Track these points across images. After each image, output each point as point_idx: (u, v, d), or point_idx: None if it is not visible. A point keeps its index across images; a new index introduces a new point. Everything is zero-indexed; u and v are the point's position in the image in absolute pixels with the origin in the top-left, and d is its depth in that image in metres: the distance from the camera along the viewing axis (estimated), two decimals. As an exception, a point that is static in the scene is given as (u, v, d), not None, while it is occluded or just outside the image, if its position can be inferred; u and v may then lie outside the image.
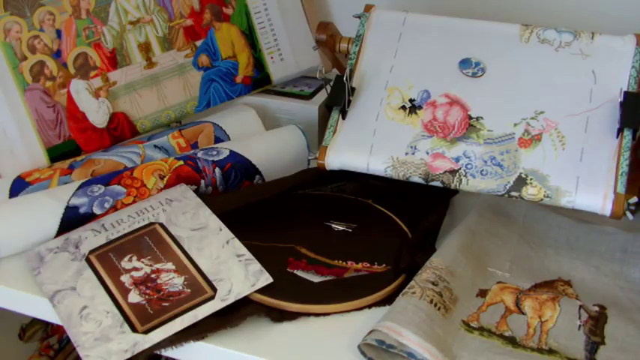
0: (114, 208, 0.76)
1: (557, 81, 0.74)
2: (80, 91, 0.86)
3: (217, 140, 0.88)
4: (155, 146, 0.85)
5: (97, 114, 0.87)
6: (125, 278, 0.68)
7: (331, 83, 0.78)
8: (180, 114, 0.91)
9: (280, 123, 0.95)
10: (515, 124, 0.72)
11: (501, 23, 0.78)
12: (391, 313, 0.61)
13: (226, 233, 0.71)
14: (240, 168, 0.81)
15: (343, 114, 0.77)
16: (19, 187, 0.79)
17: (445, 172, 0.72)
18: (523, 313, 0.66)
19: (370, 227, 0.77)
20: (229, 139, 0.88)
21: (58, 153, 0.86)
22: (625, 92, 0.70)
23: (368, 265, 0.71)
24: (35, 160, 0.84)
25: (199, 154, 0.81)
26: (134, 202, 0.77)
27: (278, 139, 0.86)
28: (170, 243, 0.71)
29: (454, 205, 0.82)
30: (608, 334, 0.63)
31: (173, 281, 0.67)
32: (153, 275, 0.68)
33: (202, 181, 0.80)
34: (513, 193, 0.70)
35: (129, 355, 0.61)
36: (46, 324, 1.15)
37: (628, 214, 0.67)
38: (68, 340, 1.18)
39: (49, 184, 0.80)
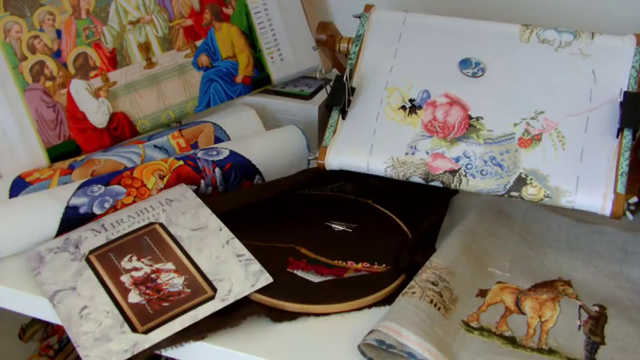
0: (114, 208, 0.76)
1: (557, 81, 0.74)
2: (80, 91, 0.86)
3: (217, 140, 0.88)
4: (155, 146, 0.85)
5: (97, 114, 0.87)
6: (125, 278, 0.68)
7: (331, 83, 0.78)
8: (180, 114, 0.91)
9: (280, 123, 0.95)
10: (515, 124, 0.72)
11: (501, 23, 0.78)
12: (391, 313, 0.61)
13: (226, 233, 0.71)
14: (240, 168, 0.81)
15: (343, 114, 0.77)
16: (19, 187, 0.79)
17: (445, 172, 0.72)
18: (523, 313, 0.65)
19: (370, 227, 0.77)
20: (229, 139, 0.88)
21: (58, 153, 0.86)
22: (625, 92, 0.70)
23: (368, 265, 0.71)
24: (35, 160, 0.84)
25: (199, 154, 0.81)
26: (134, 202, 0.77)
27: (278, 139, 0.86)
28: (170, 243, 0.71)
29: (454, 205, 0.82)
30: (608, 334, 0.63)
31: (173, 281, 0.67)
32: (153, 275, 0.68)
33: (202, 181, 0.80)
34: (513, 193, 0.70)
35: (129, 355, 0.61)
36: (46, 324, 1.15)
37: (628, 214, 0.67)
38: (68, 340, 1.18)
39: (49, 184, 0.79)
